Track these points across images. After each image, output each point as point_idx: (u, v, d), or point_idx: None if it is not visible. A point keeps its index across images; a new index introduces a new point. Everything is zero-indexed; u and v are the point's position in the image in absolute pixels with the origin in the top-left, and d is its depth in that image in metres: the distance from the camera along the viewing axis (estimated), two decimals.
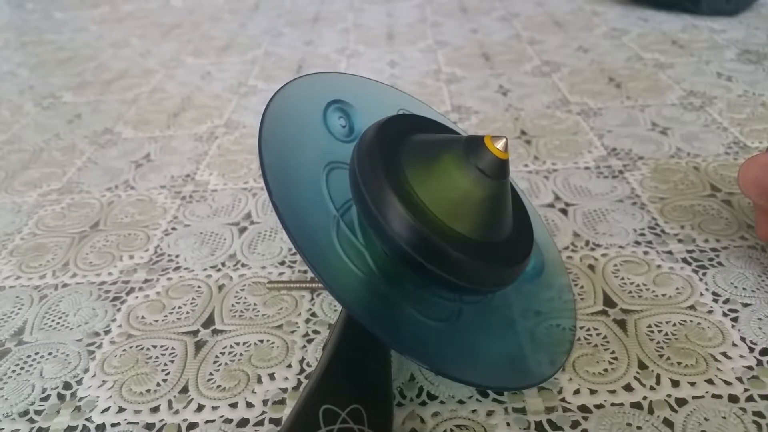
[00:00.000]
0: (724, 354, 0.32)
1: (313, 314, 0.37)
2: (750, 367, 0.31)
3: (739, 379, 0.30)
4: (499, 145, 0.27)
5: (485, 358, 0.30)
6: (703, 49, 0.75)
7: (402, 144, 0.29)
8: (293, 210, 0.27)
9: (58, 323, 0.38)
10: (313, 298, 0.38)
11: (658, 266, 0.39)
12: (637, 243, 0.41)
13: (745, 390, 0.30)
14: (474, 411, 0.30)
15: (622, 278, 0.38)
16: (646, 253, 0.40)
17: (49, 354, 0.36)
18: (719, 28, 0.83)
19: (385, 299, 0.29)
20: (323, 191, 0.31)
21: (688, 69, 0.70)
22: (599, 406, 0.30)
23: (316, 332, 0.35)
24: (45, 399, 0.33)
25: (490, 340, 0.31)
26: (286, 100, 0.32)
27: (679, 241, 0.41)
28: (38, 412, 0.32)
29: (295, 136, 0.31)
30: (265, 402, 0.31)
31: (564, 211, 0.45)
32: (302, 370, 0.33)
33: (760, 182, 0.29)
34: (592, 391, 0.30)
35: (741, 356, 0.32)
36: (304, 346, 0.34)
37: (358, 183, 0.28)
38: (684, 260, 0.39)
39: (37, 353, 0.36)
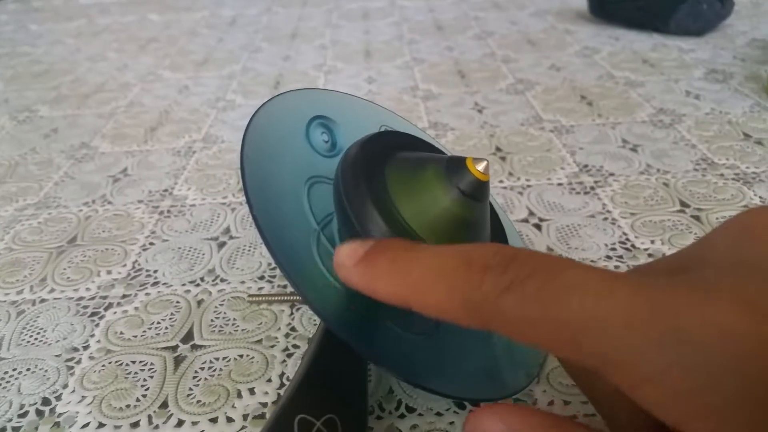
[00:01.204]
0: None
1: (293, 329, 0.37)
2: None
3: None
4: (480, 167, 0.28)
5: (462, 371, 0.31)
6: (672, 68, 0.78)
7: (386, 161, 0.30)
8: (274, 223, 0.28)
9: (36, 339, 0.38)
10: (292, 313, 0.38)
11: None
12: (609, 257, 0.42)
13: None
14: (452, 423, 0.31)
15: None
16: (617, 267, 0.41)
17: (27, 370, 0.36)
18: (687, 47, 0.85)
19: (362, 313, 0.30)
20: (304, 205, 0.31)
21: (658, 87, 0.72)
22: (572, 417, 0.30)
23: (295, 347, 0.36)
24: (23, 415, 0.33)
25: (466, 353, 0.32)
26: (270, 115, 0.32)
27: (650, 255, 0.42)
28: (16, 429, 0.32)
29: (277, 151, 0.32)
30: (245, 417, 0.32)
31: (538, 227, 0.46)
32: (282, 385, 0.33)
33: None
34: (566, 402, 0.31)
35: None
36: (284, 361, 0.35)
37: (342, 198, 0.28)
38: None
39: (14, 369, 0.36)
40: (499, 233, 0.33)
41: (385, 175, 0.29)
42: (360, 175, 0.28)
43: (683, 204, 0.48)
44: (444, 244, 0.28)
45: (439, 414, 0.31)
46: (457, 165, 0.28)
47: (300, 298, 0.39)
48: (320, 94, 0.38)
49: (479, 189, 0.28)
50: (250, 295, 0.40)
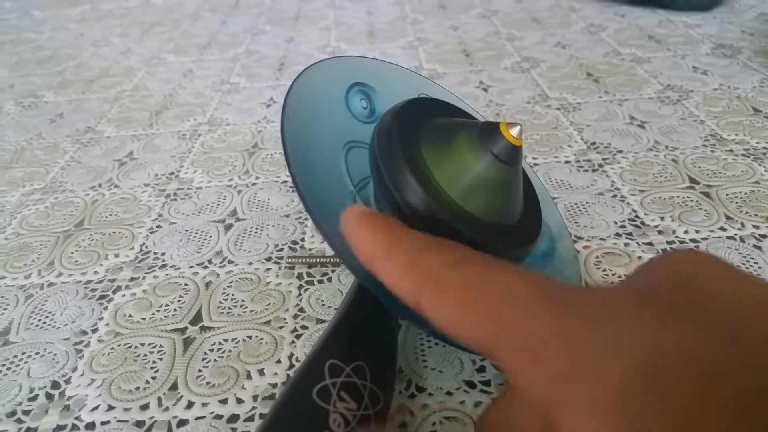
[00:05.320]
0: None
1: (301, 309, 0.37)
2: None
3: None
4: (514, 131, 0.28)
5: None
6: (679, 44, 0.77)
7: (421, 126, 0.30)
8: (311, 182, 0.28)
9: (44, 323, 0.38)
10: (300, 294, 0.38)
11: (639, 258, 0.39)
12: (618, 235, 0.42)
13: None
14: (462, 402, 0.30)
15: (604, 269, 0.39)
16: (626, 244, 0.41)
17: (36, 354, 0.36)
18: (694, 23, 0.84)
19: None
20: (342, 168, 0.32)
21: (665, 63, 0.71)
22: None
23: (304, 327, 0.36)
24: (33, 399, 0.33)
25: None
26: (310, 80, 0.33)
27: (659, 232, 0.42)
28: (26, 413, 0.32)
29: (316, 114, 0.32)
30: (255, 398, 0.32)
31: None
32: (291, 366, 0.33)
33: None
34: None
35: None
36: (293, 342, 0.35)
37: (378, 163, 0.28)
38: (664, 251, 0.40)
39: (23, 353, 0.36)
40: (532, 199, 0.33)
41: (419, 140, 0.29)
42: (395, 140, 0.28)
43: (693, 180, 0.47)
44: (477, 206, 0.28)
45: (449, 393, 0.31)
46: (490, 130, 0.28)
47: (336, 261, 0.40)
48: (360, 61, 0.39)
49: (512, 153, 0.28)
50: (289, 257, 0.41)
